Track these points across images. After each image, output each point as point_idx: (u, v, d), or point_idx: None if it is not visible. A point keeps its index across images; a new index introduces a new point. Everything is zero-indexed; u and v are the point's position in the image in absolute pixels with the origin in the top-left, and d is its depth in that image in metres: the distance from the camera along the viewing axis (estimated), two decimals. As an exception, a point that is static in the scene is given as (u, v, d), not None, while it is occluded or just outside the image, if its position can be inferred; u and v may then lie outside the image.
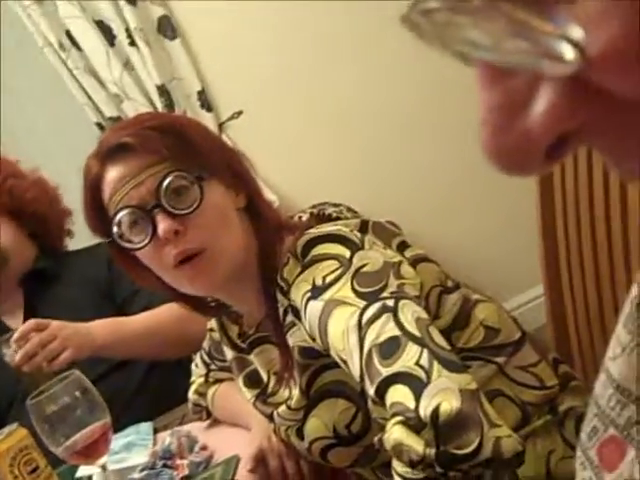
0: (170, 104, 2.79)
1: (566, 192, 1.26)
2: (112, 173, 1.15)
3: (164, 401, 1.86)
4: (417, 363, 0.87)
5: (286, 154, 2.91)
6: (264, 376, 1.28)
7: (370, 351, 0.92)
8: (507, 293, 2.92)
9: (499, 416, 1.06)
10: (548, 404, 1.15)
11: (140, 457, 1.50)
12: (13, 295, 2.14)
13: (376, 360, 0.91)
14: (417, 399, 0.84)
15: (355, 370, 0.95)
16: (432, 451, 0.81)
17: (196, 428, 1.54)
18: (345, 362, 0.99)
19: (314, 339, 1.07)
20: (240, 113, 2.87)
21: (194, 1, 2.78)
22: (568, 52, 0.30)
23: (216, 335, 1.42)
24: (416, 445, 0.82)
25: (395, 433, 0.84)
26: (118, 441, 1.58)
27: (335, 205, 2.78)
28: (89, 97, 2.85)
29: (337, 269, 1.04)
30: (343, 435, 1.13)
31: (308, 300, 1.04)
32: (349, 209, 2.78)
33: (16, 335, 1.69)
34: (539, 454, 1.11)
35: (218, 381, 1.53)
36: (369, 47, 2.83)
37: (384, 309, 0.95)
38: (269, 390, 1.26)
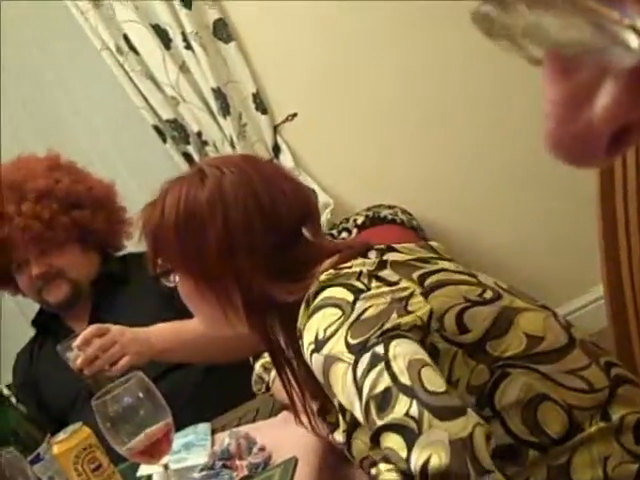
0: (225, 107, 2.82)
1: (627, 189, 1.23)
2: None
3: (221, 402, 1.88)
4: (407, 414, 0.92)
5: (342, 155, 2.91)
6: None
7: (368, 402, 0.97)
8: (570, 294, 2.89)
9: (546, 420, 1.08)
10: (599, 409, 1.13)
11: (199, 457, 1.52)
12: (81, 301, 2.20)
13: (373, 411, 0.96)
14: (409, 449, 0.89)
15: (361, 420, 1.01)
16: None
17: (254, 429, 1.55)
18: (352, 412, 1.05)
19: None
20: (295, 115, 2.88)
21: (249, 5, 2.81)
22: (633, 41, 0.31)
23: None
24: None
25: (387, 477, 0.92)
26: (177, 441, 1.59)
27: (390, 207, 2.78)
28: (146, 100, 2.89)
29: (337, 319, 1.08)
30: None
31: (312, 353, 1.10)
32: (404, 211, 2.78)
33: (78, 340, 1.73)
34: (594, 459, 1.10)
35: None
36: (420, 46, 2.83)
37: (375, 358, 0.99)
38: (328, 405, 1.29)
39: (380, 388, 0.96)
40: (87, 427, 1.51)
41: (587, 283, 2.71)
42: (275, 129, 2.88)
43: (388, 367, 0.97)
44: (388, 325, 1.03)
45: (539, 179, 2.79)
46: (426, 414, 0.91)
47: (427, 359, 1.00)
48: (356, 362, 1.01)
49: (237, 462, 1.42)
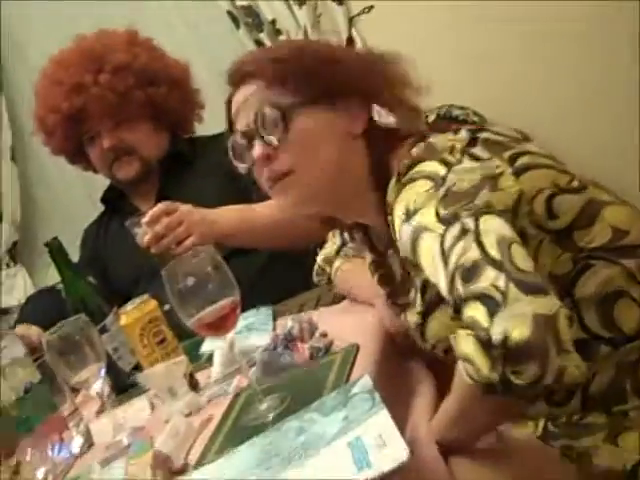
0: (303, -5, 2.77)
1: None
2: (234, 96, 1.30)
3: (283, 290, 1.89)
4: (493, 284, 0.90)
5: (416, 51, 2.81)
6: (398, 276, 1.32)
7: (454, 272, 0.96)
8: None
9: (622, 317, 1.08)
10: None
11: (261, 338, 1.54)
12: (149, 179, 2.21)
13: (458, 281, 0.94)
14: (491, 319, 0.88)
15: (443, 291, 0.99)
16: (495, 376, 0.87)
17: (317, 315, 1.56)
18: (435, 284, 1.03)
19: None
20: (371, 8, 2.82)
21: None
22: None
23: None
24: (482, 365, 0.88)
25: (466, 345, 0.91)
26: (240, 322, 1.61)
27: (461, 108, 2.73)
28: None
29: (428, 190, 1.07)
30: None
31: (402, 223, 1.09)
32: (475, 113, 2.73)
33: (147, 217, 1.74)
34: None
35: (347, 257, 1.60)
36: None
37: (464, 230, 0.98)
38: (399, 289, 1.30)
39: (468, 259, 0.95)
40: (153, 300, 1.54)
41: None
42: (350, 21, 2.82)
43: (478, 240, 0.96)
44: (479, 201, 1.02)
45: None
46: (512, 287, 0.89)
47: (517, 238, 0.98)
48: (445, 232, 1.00)
49: (299, 345, 1.43)
